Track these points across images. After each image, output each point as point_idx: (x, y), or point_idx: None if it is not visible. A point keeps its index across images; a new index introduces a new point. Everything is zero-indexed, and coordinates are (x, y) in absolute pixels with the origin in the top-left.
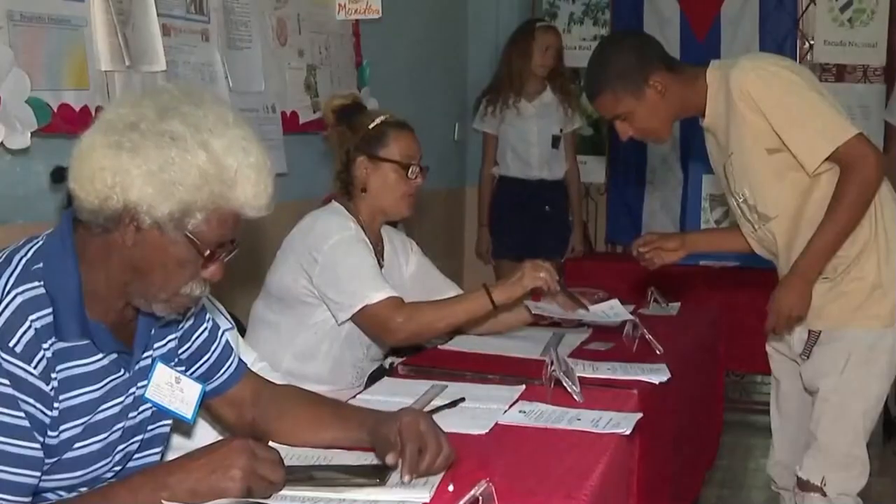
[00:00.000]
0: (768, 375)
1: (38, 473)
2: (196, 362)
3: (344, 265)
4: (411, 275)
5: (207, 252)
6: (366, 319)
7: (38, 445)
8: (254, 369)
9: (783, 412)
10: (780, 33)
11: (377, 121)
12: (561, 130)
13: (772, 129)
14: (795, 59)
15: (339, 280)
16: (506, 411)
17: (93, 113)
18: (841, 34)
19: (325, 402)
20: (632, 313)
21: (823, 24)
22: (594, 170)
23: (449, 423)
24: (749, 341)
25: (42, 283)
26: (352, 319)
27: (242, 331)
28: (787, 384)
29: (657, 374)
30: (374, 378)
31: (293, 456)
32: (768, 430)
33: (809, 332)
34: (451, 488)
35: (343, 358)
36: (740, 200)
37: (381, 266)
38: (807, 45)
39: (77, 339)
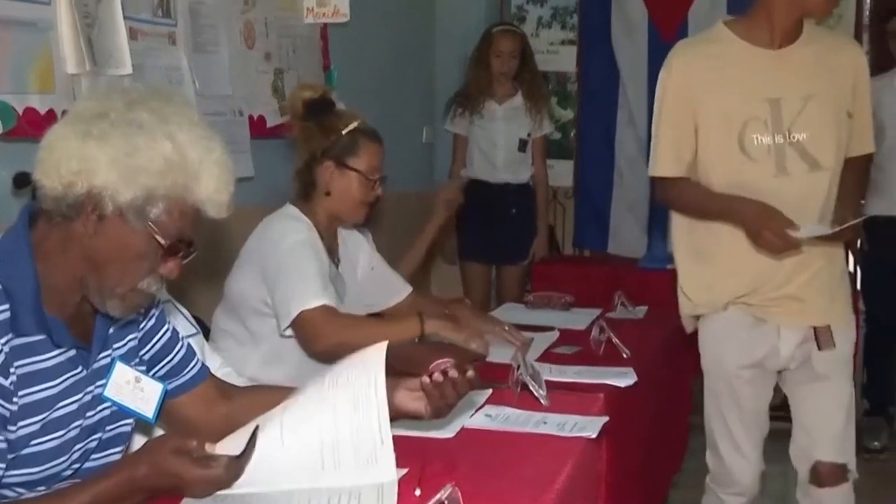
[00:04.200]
0: None
1: (3, 465)
2: (159, 363)
3: (289, 271)
4: (365, 273)
5: (167, 244)
6: (298, 325)
7: (2, 438)
8: (218, 374)
9: (748, 427)
10: None
11: (350, 127)
12: (529, 134)
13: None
14: None
15: (281, 286)
16: (472, 415)
17: (58, 117)
18: None
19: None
20: (598, 317)
21: None
22: (562, 173)
23: (414, 426)
24: None
25: None
26: (291, 326)
27: (209, 334)
28: (753, 403)
29: (624, 378)
30: None
31: None
32: None
33: (821, 328)
34: (417, 493)
35: (309, 362)
36: (789, 140)
37: (337, 266)
38: None
39: (34, 334)
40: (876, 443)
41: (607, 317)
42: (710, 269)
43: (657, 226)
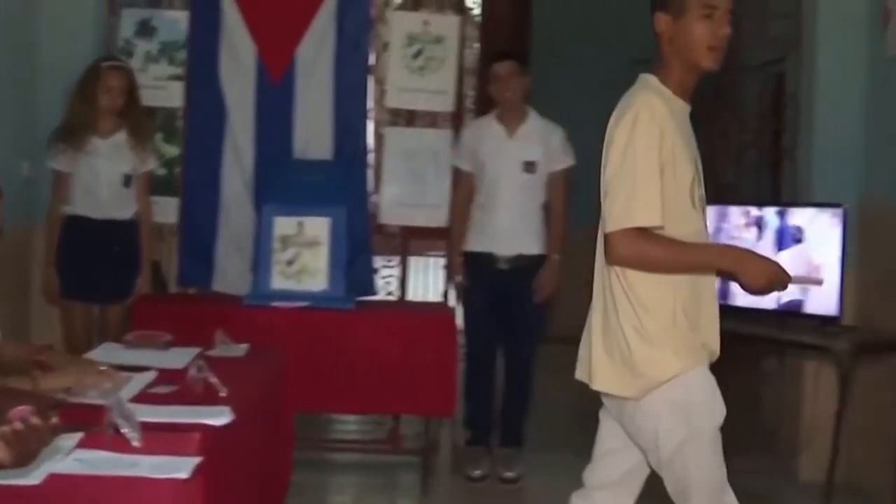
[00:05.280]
0: (340, 414)
1: None
2: None
3: None
4: None
5: None
6: None
7: None
8: None
9: None
10: (355, 78)
11: None
12: (133, 170)
13: None
14: (367, 105)
15: None
16: (61, 460)
17: None
18: (413, 81)
19: None
20: (197, 356)
21: (396, 70)
22: (167, 210)
23: None
24: (319, 381)
25: None
26: None
27: None
28: None
29: (219, 417)
30: None
31: None
32: (341, 467)
33: None
34: None
35: None
36: (702, 192)
37: None
38: (381, 90)
39: None
40: (477, 471)
41: (206, 355)
42: (700, 331)
43: (262, 263)
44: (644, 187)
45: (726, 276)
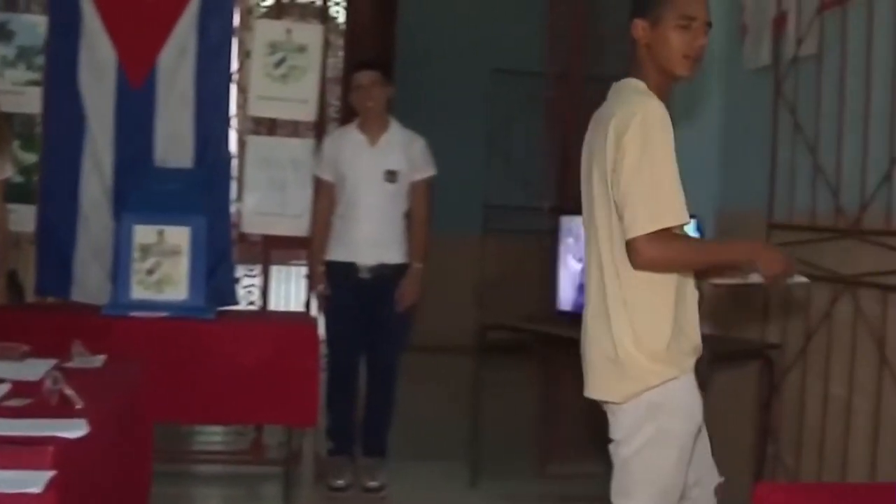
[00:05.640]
0: (202, 424)
1: None
2: None
3: None
4: None
5: None
6: None
7: None
8: None
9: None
10: (217, 85)
11: None
12: None
13: None
14: (229, 112)
15: None
16: None
17: None
18: (274, 89)
19: None
20: (53, 367)
21: (258, 78)
22: (24, 218)
23: None
24: (180, 391)
25: None
26: None
27: None
28: None
29: (74, 429)
30: None
31: None
32: (204, 478)
33: None
34: None
35: None
36: None
37: None
38: (243, 98)
39: None
40: (340, 481)
41: (63, 366)
42: (688, 334)
43: (122, 272)
44: (666, 189)
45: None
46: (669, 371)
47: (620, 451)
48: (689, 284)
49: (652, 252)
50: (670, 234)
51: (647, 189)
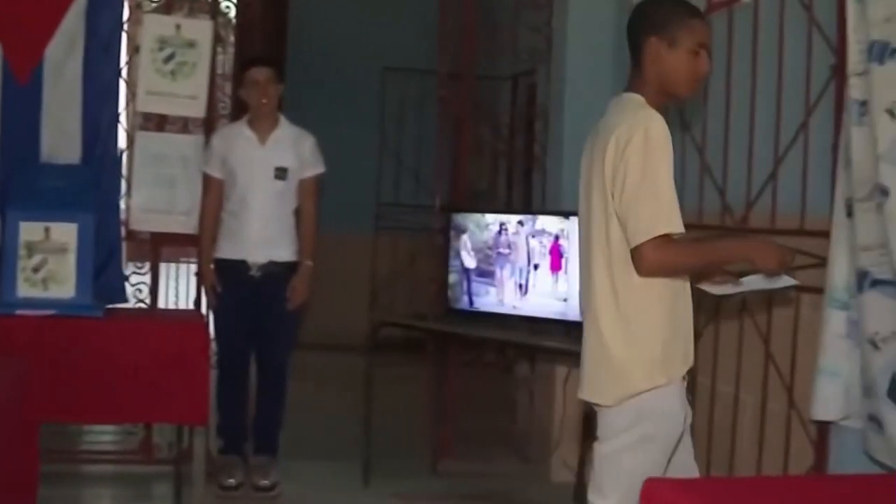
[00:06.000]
0: (90, 424)
1: None
2: None
3: None
4: None
5: None
6: None
7: None
8: None
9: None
10: (106, 81)
11: None
12: None
13: None
14: (118, 109)
15: None
16: None
17: None
18: (164, 85)
19: None
20: None
21: (146, 74)
22: None
23: None
24: (68, 391)
25: None
26: None
27: None
28: None
29: None
30: None
31: None
32: (93, 479)
33: None
34: None
35: None
36: None
37: None
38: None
39: None
40: (231, 480)
41: None
42: (680, 344)
43: (7, 270)
44: (667, 198)
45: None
46: (660, 378)
47: (602, 450)
48: (686, 294)
49: (657, 256)
50: (671, 240)
51: (650, 198)
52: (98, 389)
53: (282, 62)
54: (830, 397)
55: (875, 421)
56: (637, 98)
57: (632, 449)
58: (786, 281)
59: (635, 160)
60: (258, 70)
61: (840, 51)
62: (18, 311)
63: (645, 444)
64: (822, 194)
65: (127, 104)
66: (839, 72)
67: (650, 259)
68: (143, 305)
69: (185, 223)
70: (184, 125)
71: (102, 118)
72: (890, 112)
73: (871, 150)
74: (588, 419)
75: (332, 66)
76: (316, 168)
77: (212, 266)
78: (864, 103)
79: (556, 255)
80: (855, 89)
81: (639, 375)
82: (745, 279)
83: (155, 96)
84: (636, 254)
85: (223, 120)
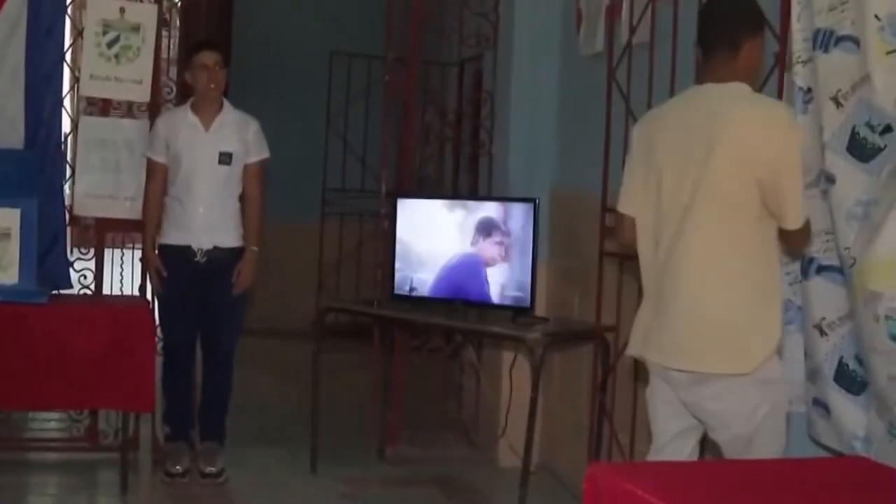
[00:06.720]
0: (34, 411)
1: None
2: None
3: None
4: None
5: None
6: None
7: None
8: None
9: None
10: (48, 64)
11: None
12: None
13: None
14: (61, 92)
15: None
16: None
17: None
18: (108, 69)
19: None
20: None
21: (90, 58)
22: None
23: None
24: (12, 378)
25: None
26: None
27: None
28: None
29: None
30: None
31: None
32: (39, 466)
33: None
34: None
35: None
36: None
37: None
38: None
39: None
40: (178, 467)
41: None
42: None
43: None
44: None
45: None
46: (774, 345)
47: (744, 429)
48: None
49: (807, 236)
50: None
51: (799, 185)
52: (43, 376)
53: (228, 46)
54: None
55: (821, 405)
56: (746, 87)
57: (770, 418)
58: None
59: (791, 147)
60: (207, 54)
61: (783, 39)
62: None
63: (778, 411)
64: None
65: (70, 88)
66: (781, 59)
67: (806, 238)
68: (87, 291)
69: (130, 209)
70: (128, 109)
71: (45, 103)
72: (835, 100)
73: (817, 137)
74: (533, 405)
75: (278, 51)
76: (261, 153)
77: (156, 251)
78: (808, 91)
79: (501, 241)
80: (799, 77)
81: (764, 344)
82: None
83: (99, 81)
84: (799, 233)
85: (168, 104)
